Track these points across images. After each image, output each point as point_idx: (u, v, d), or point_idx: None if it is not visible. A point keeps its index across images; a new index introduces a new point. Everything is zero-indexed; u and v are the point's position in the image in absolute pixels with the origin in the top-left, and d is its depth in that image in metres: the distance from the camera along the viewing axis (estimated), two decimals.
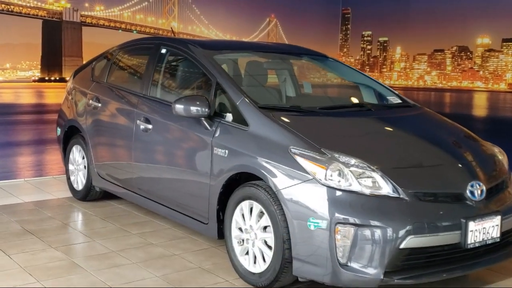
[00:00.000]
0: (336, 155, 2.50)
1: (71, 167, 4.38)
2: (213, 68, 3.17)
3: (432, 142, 2.90)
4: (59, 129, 4.55)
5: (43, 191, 4.57)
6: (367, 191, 2.41)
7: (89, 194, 4.19)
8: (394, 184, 2.43)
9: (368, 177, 2.44)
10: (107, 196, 4.20)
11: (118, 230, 3.57)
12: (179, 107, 2.97)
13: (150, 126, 3.42)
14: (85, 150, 4.14)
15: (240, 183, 2.84)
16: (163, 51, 3.67)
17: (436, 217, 2.42)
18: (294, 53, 4.07)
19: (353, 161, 2.48)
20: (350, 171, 2.44)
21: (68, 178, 4.39)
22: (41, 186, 4.79)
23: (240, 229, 2.79)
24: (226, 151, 2.85)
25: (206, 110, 2.95)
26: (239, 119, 2.88)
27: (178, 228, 3.60)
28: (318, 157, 2.50)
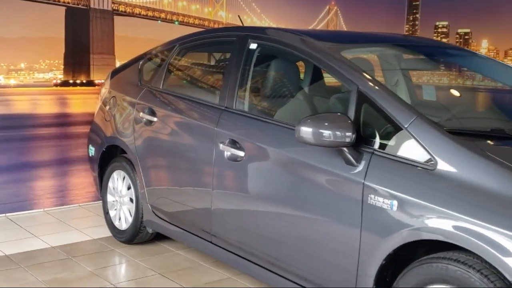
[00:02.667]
0: None
1: (110, 198, 4.39)
2: (353, 71, 2.85)
3: None
4: (92, 149, 4.64)
5: (70, 227, 4.57)
6: None
7: (138, 236, 4.15)
8: None
9: None
10: (157, 236, 4.15)
11: None
12: (306, 131, 2.62)
13: (241, 153, 3.22)
14: (133, 178, 4.14)
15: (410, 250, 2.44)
16: (253, 46, 3.50)
17: None
18: (439, 49, 3.90)
19: None
20: None
21: (107, 213, 4.40)
22: (66, 218, 4.83)
23: None
24: (394, 202, 2.45)
25: (350, 135, 2.58)
26: (411, 150, 2.50)
27: None
28: None
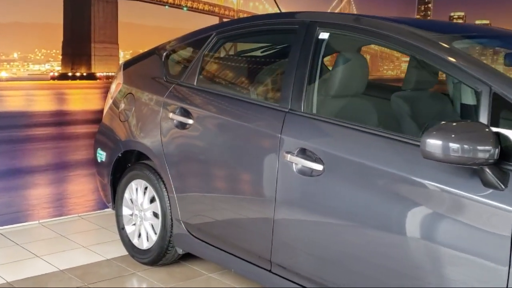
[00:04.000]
0: None
1: (126, 211, 4.34)
2: (482, 68, 2.68)
3: None
4: (102, 153, 4.62)
5: (74, 244, 4.53)
6: None
7: (164, 257, 4.06)
8: None
9: None
10: (183, 255, 4.09)
11: None
12: (435, 145, 2.41)
13: (318, 167, 3.04)
14: (158, 189, 4.08)
15: None
16: (323, 36, 3.38)
17: None
18: None
19: None
20: None
21: (122, 228, 4.34)
22: (67, 232, 4.80)
23: None
24: None
25: (493, 151, 2.36)
26: None
27: None
28: None
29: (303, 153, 3.11)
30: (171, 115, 3.97)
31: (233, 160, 3.62)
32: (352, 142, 2.99)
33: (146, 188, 4.23)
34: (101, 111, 4.98)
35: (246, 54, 4.46)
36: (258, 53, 4.48)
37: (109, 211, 5.21)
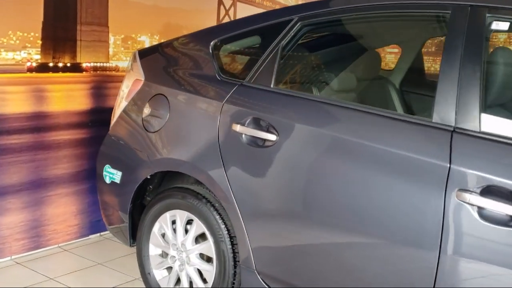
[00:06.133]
0: None
1: (154, 251, 4.16)
2: None
3: None
4: (114, 173, 4.44)
5: None
6: None
7: None
8: None
9: None
10: None
11: None
12: None
13: None
14: (214, 225, 3.90)
15: None
16: (498, 26, 3.12)
17: None
18: None
19: None
20: None
21: (148, 273, 4.16)
22: (49, 271, 4.68)
23: None
24: None
25: None
26: None
27: None
28: None
29: (489, 192, 2.83)
30: (238, 127, 3.70)
31: (354, 196, 3.28)
32: None
33: (192, 223, 4.03)
34: (89, 113, 4.89)
35: (351, 46, 4.26)
36: (373, 44, 4.34)
37: (95, 238, 5.26)
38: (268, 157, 3.59)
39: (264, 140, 3.59)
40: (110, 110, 4.54)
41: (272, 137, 3.56)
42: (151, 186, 4.43)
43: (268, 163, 3.60)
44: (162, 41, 4.88)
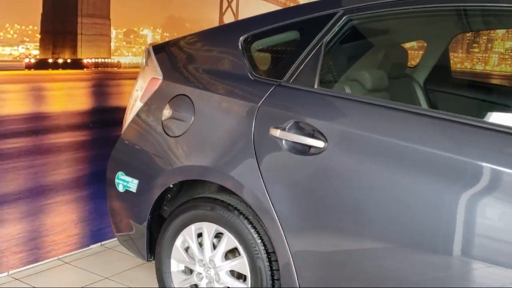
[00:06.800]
0: None
1: (176, 266, 4.07)
2: None
3: None
4: (129, 181, 4.34)
5: None
6: None
7: None
8: None
9: None
10: None
11: None
12: None
13: None
14: (249, 240, 3.75)
15: None
16: None
17: None
18: None
19: None
20: None
21: None
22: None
23: None
24: None
25: None
26: None
27: None
28: None
29: None
30: (278, 132, 3.54)
31: (420, 214, 3.10)
32: None
33: (223, 237, 3.89)
34: (90, 113, 4.78)
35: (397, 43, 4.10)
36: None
37: (96, 248, 5.27)
38: (315, 165, 3.42)
39: (310, 146, 3.42)
40: (112, 110, 4.43)
41: (319, 143, 3.39)
42: (169, 195, 4.30)
43: (316, 172, 3.43)
44: (165, 34, 4.70)
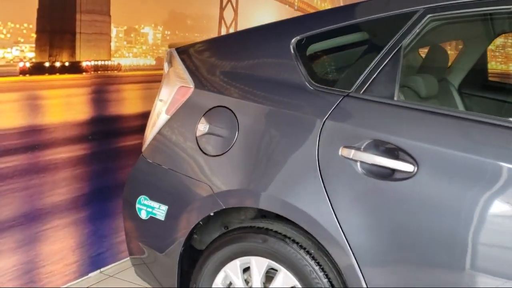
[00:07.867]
0: None
1: None
2: None
3: None
4: (155, 207, 4.07)
5: None
6: None
7: None
8: None
9: None
10: None
11: None
12: None
13: None
14: (309, 277, 3.43)
15: None
16: None
17: None
18: None
19: None
20: None
21: None
22: None
23: None
24: None
25: None
26: None
27: None
28: None
29: None
30: (352, 153, 3.26)
31: None
32: None
33: (279, 274, 3.57)
34: (90, 123, 4.64)
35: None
36: None
37: (95, 276, 5.48)
38: (402, 192, 3.13)
39: (395, 170, 3.15)
40: (112, 119, 4.38)
41: (408, 167, 3.11)
42: (201, 222, 3.95)
43: (403, 200, 3.14)
44: (166, 32, 4.46)
